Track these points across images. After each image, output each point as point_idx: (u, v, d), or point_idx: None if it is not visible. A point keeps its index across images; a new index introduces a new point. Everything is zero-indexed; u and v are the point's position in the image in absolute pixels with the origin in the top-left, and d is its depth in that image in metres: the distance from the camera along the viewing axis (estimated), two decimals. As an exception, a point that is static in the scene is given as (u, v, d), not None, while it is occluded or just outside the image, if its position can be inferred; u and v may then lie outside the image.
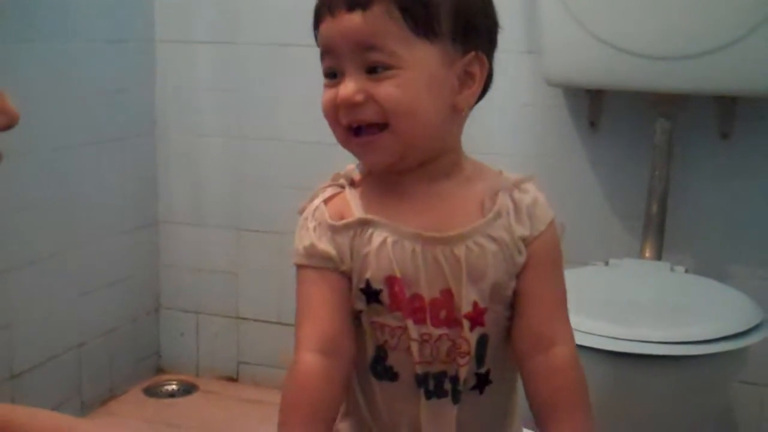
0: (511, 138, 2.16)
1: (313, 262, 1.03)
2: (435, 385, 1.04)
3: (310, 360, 1.00)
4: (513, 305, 1.05)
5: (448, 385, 1.04)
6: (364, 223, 1.02)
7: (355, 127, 0.98)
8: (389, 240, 1.01)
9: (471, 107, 1.03)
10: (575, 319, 1.36)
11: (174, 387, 2.56)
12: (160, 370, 2.64)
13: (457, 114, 1.01)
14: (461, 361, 1.03)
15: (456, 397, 1.04)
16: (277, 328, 2.47)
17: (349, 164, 1.08)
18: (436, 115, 0.99)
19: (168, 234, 2.58)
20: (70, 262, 2.22)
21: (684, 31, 1.84)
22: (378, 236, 1.01)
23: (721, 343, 1.52)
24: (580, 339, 1.48)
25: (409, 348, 1.02)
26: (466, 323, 1.02)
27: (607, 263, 1.93)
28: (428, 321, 1.02)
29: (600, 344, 1.49)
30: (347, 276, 1.03)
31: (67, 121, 2.15)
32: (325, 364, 1.00)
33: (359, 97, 0.96)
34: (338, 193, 1.06)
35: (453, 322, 1.02)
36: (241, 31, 2.40)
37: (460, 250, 1.01)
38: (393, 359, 1.04)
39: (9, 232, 1.98)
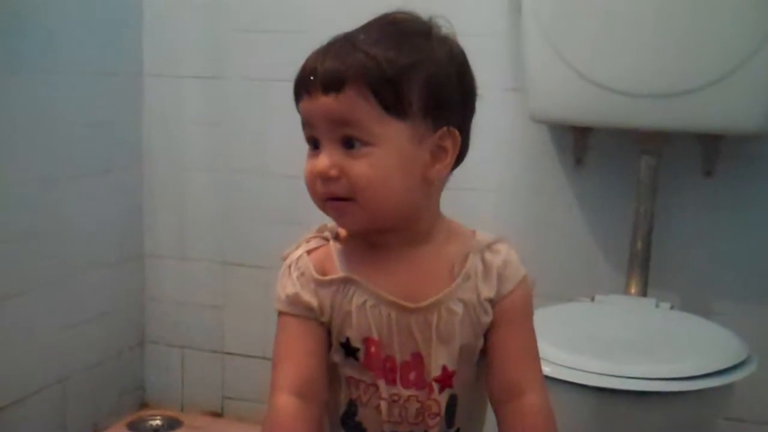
0: (497, 174, 2.17)
1: (295, 311, 1.07)
2: None
3: (288, 402, 1.03)
4: (485, 359, 1.09)
5: None
6: (346, 282, 1.06)
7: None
8: (368, 303, 1.05)
9: (444, 179, 1.07)
10: (561, 355, 1.36)
11: (158, 422, 2.54)
12: (144, 405, 2.62)
13: (429, 185, 1.04)
14: (431, 422, 1.07)
15: None
16: (262, 363, 2.46)
17: None
18: (403, 190, 1.02)
19: (153, 267, 2.57)
20: (54, 295, 2.21)
21: (668, 69, 1.86)
22: (359, 297, 1.05)
23: (707, 380, 1.52)
24: (566, 375, 1.49)
25: (378, 406, 1.07)
26: (435, 386, 1.06)
27: (592, 299, 1.93)
28: (398, 382, 1.06)
29: (585, 380, 1.49)
30: (325, 326, 1.07)
31: (53, 152, 2.14)
32: (302, 406, 1.03)
33: (333, 172, 1.00)
34: (322, 246, 1.10)
35: (422, 383, 1.06)
36: (228, 65, 2.41)
37: (432, 317, 1.05)
38: (362, 415, 1.09)
39: (-6, 265, 1.98)
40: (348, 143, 1.00)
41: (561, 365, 1.51)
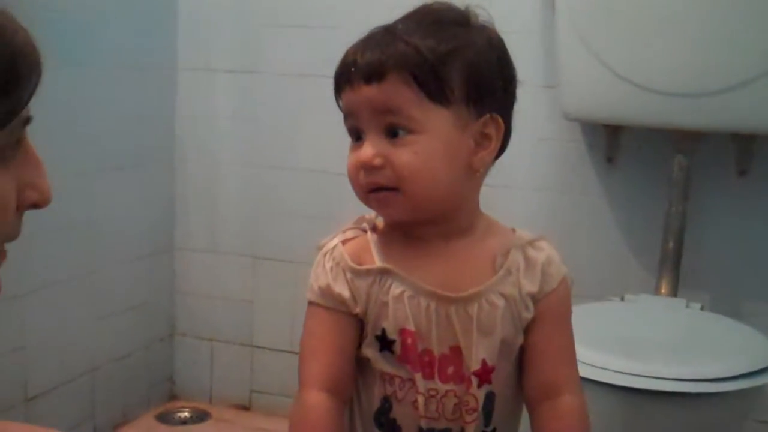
0: (528, 172, 2.16)
1: (326, 303, 1.06)
2: None
3: (317, 398, 1.03)
4: (521, 358, 1.08)
5: None
6: (384, 272, 1.05)
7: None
8: (406, 294, 1.04)
9: (488, 167, 1.06)
10: (590, 354, 1.36)
11: (187, 414, 2.55)
12: (173, 397, 2.64)
13: (473, 174, 1.04)
14: (468, 419, 1.05)
15: None
16: (290, 357, 2.47)
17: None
18: (449, 178, 1.02)
19: (184, 261, 2.58)
20: (86, 287, 2.23)
21: (703, 68, 1.84)
22: (396, 288, 1.04)
23: (736, 382, 1.51)
24: (595, 374, 1.49)
25: (415, 401, 1.05)
26: (474, 380, 1.04)
27: (622, 299, 1.92)
28: (436, 376, 1.05)
29: (614, 380, 1.49)
30: (358, 319, 1.06)
31: (87, 146, 2.16)
32: (331, 403, 1.03)
33: (377, 162, 1.00)
34: (358, 236, 1.09)
35: (460, 378, 1.05)
36: (261, 60, 2.42)
37: (472, 309, 1.04)
38: (397, 412, 1.07)
39: (26, 256, 1.99)
40: (392, 132, 0.99)
41: (590, 365, 1.50)
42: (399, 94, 0.98)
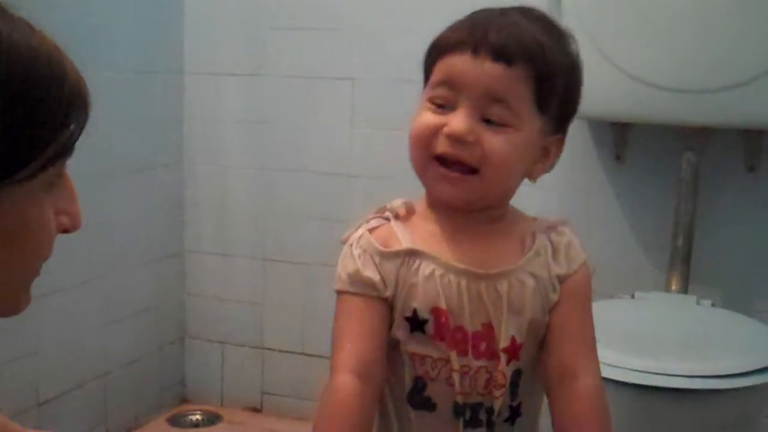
0: (537, 170, 2.16)
1: (356, 289, 1.06)
2: (471, 415, 1.08)
3: (347, 381, 1.03)
4: (543, 339, 1.09)
5: (483, 416, 1.08)
6: (412, 254, 1.06)
7: (441, 158, 1.02)
8: (437, 272, 1.05)
9: (537, 178, 1.10)
10: (602, 352, 1.35)
11: (198, 417, 2.56)
12: (184, 400, 2.64)
13: (529, 179, 1.09)
14: (497, 393, 1.07)
15: (491, 429, 1.08)
16: (301, 358, 2.47)
17: (396, 199, 1.12)
18: (518, 177, 1.06)
19: (194, 264, 2.59)
20: (96, 291, 2.23)
21: (711, 64, 1.84)
22: (426, 267, 1.05)
23: (748, 378, 1.51)
24: (606, 372, 1.47)
25: (450, 378, 1.06)
26: (503, 356, 1.06)
27: (633, 296, 1.92)
28: (470, 353, 1.06)
29: (625, 377, 1.49)
30: (388, 303, 1.06)
31: (95, 150, 2.16)
32: (360, 386, 1.03)
33: (471, 138, 1.00)
34: (383, 225, 1.10)
35: (492, 355, 1.06)
36: (267, 63, 2.42)
37: (502, 286, 1.05)
38: (432, 390, 1.08)
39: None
40: (489, 119, 1.00)
41: (601, 362, 1.49)
42: (517, 86, 1.00)
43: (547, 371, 1.08)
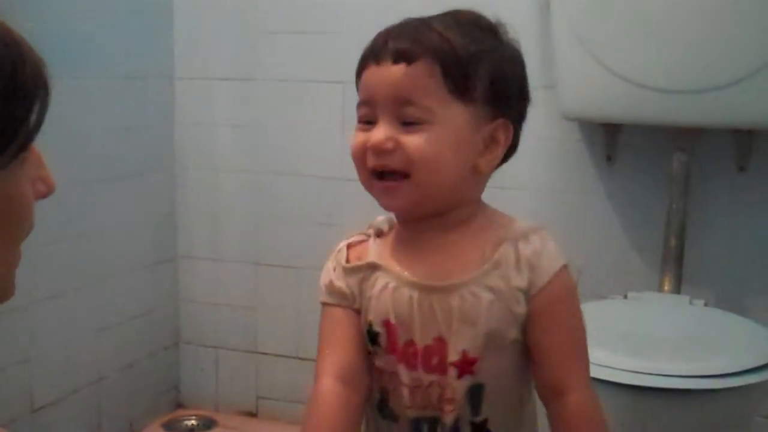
0: (528, 172, 2.16)
1: (333, 299, 1.10)
2: (428, 429, 1.09)
3: (330, 385, 1.05)
4: (528, 355, 1.08)
5: (440, 430, 1.08)
6: (372, 268, 1.08)
7: (378, 172, 1.03)
8: (390, 286, 1.06)
9: (492, 170, 1.08)
10: (595, 353, 1.35)
11: (193, 422, 2.56)
12: (179, 405, 2.64)
13: (478, 174, 1.06)
14: (447, 408, 1.06)
15: None
16: (296, 362, 2.47)
17: (380, 216, 1.13)
18: (456, 172, 1.03)
19: (187, 269, 2.59)
20: (89, 297, 2.23)
21: (700, 64, 1.84)
22: (381, 281, 1.07)
23: (742, 377, 1.51)
24: (599, 373, 1.49)
25: (401, 392, 1.07)
26: (452, 371, 1.05)
27: (626, 296, 1.92)
28: (420, 367, 1.06)
29: (619, 378, 1.49)
30: (359, 314, 1.09)
31: (87, 157, 2.16)
32: (343, 390, 1.05)
33: (389, 145, 1.00)
34: (363, 241, 1.13)
35: (444, 369, 1.05)
36: (258, 67, 2.42)
37: (454, 299, 1.04)
38: (393, 402, 1.10)
39: (29, 267, 1.98)
40: (406, 121, 1.01)
41: (595, 364, 1.48)
42: (423, 82, 0.99)
43: (539, 390, 1.08)
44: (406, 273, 1.06)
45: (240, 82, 2.45)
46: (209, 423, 2.55)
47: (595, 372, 1.47)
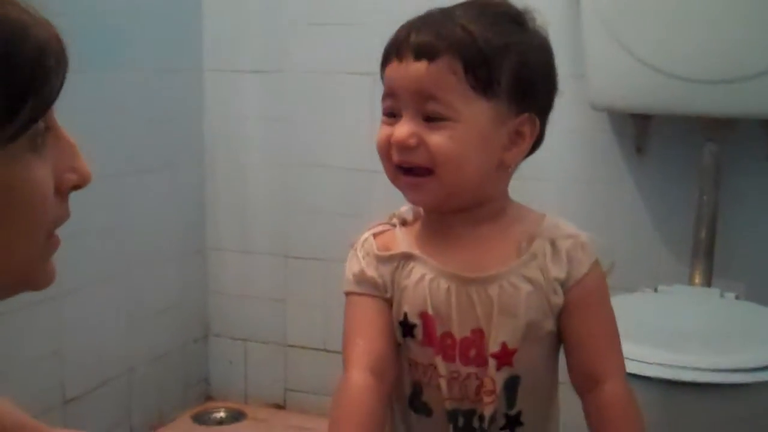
0: (557, 164, 2.15)
1: (362, 289, 1.09)
2: (464, 422, 1.08)
3: (361, 377, 1.04)
4: (562, 346, 1.09)
5: (476, 423, 1.08)
6: (406, 257, 1.07)
7: (405, 167, 1.02)
8: (427, 277, 1.05)
9: (518, 164, 1.07)
10: (625, 347, 1.34)
11: (222, 414, 2.57)
12: (208, 397, 2.65)
13: (504, 169, 1.05)
14: (486, 400, 1.06)
15: None
16: (324, 355, 2.48)
17: (403, 206, 1.13)
18: (480, 168, 1.02)
19: (216, 261, 2.60)
20: (119, 289, 2.25)
21: (731, 53, 1.83)
22: (417, 271, 1.06)
23: (774, 371, 1.50)
24: (630, 366, 1.46)
25: (438, 385, 1.07)
26: (492, 362, 1.05)
27: (656, 290, 1.91)
28: (457, 359, 1.06)
29: (650, 371, 1.48)
30: (390, 304, 1.08)
31: (117, 149, 2.18)
32: (374, 382, 1.04)
33: (412, 141, 1.00)
34: (388, 230, 1.12)
35: (482, 361, 1.05)
36: (288, 59, 2.42)
37: (493, 290, 1.04)
38: (427, 395, 1.09)
39: (59, 259, 2.00)
40: (428, 117, 1.00)
41: (625, 357, 1.49)
42: (445, 79, 0.99)
43: (573, 380, 1.08)
44: (442, 264, 1.05)
45: (269, 75, 2.45)
46: (238, 415, 2.56)
47: (625, 365, 1.48)
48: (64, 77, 0.73)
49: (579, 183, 2.17)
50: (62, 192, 0.78)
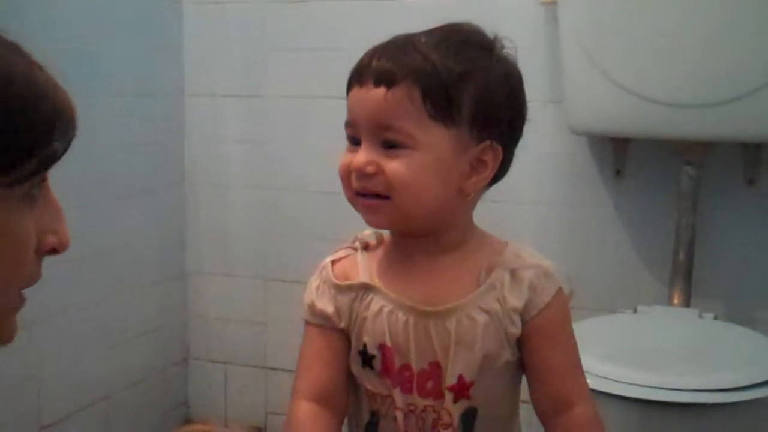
0: (537, 187, 2.16)
1: (314, 320, 1.10)
2: None
3: (305, 407, 1.07)
4: (526, 375, 1.09)
5: None
6: (365, 288, 1.07)
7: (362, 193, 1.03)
8: (386, 309, 1.05)
9: (479, 192, 1.07)
10: (604, 367, 1.36)
11: (202, 438, 2.56)
12: (188, 421, 2.64)
13: (464, 197, 1.04)
14: None
15: None
16: (304, 378, 2.47)
17: (367, 230, 1.13)
18: (437, 196, 1.02)
19: (196, 285, 2.59)
20: (98, 314, 2.23)
21: (708, 78, 1.85)
22: (376, 303, 1.06)
23: (752, 391, 1.51)
24: (609, 387, 1.48)
25: (395, 417, 1.07)
26: (448, 395, 1.05)
27: (635, 310, 1.92)
28: (415, 391, 1.06)
29: (629, 392, 1.49)
30: (345, 334, 1.08)
31: (97, 174, 2.17)
32: (318, 411, 1.06)
33: (370, 169, 1.00)
34: (349, 255, 1.12)
35: (438, 393, 1.05)
36: (267, 84, 2.43)
37: (451, 323, 1.04)
38: (383, 427, 1.09)
39: (39, 284, 1.99)
40: (388, 144, 1.00)
41: (604, 377, 1.50)
42: (402, 106, 0.98)
43: (538, 406, 1.08)
44: (401, 296, 1.05)
45: (248, 99, 2.46)
46: (218, 439, 2.55)
47: (605, 386, 1.48)
48: (70, 143, 0.77)
49: (559, 206, 2.18)
50: (40, 252, 0.79)
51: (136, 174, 2.35)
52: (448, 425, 1.05)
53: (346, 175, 1.03)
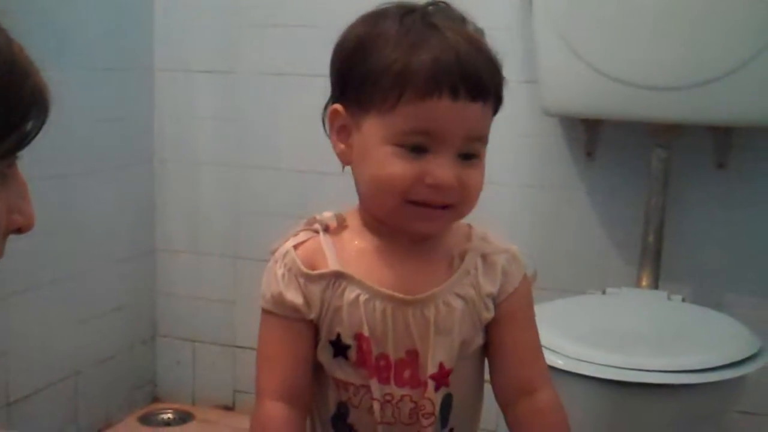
0: (509, 168, 2.17)
1: (279, 311, 1.05)
2: None
3: (274, 407, 1.04)
4: (489, 358, 1.08)
5: None
6: (338, 276, 1.03)
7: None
8: (362, 298, 1.02)
9: None
10: (573, 348, 1.36)
11: (170, 416, 2.55)
12: (156, 399, 2.63)
13: None
14: (425, 422, 1.04)
15: None
16: (274, 356, 2.47)
17: (327, 212, 1.08)
18: None
19: (165, 262, 2.58)
20: (67, 290, 2.22)
21: (680, 61, 1.85)
22: (351, 292, 1.02)
23: (719, 372, 1.52)
24: (578, 368, 1.49)
25: (371, 408, 1.04)
26: (431, 384, 1.03)
27: (604, 292, 1.93)
28: (392, 381, 1.03)
29: (597, 373, 1.49)
30: (313, 325, 1.04)
31: (66, 149, 2.15)
32: (289, 412, 1.03)
33: (457, 184, 0.97)
34: (311, 238, 1.07)
35: (416, 382, 1.03)
36: (239, 60, 2.41)
37: (429, 311, 1.02)
38: (354, 417, 1.06)
39: (6, 260, 1.97)
40: (468, 155, 0.98)
41: (573, 358, 1.51)
42: (489, 119, 0.99)
43: (502, 390, 1.08)
44: (378, 285, 1.02)
45: (220, 75, 2.44)
46: (186, 416, 2.54)
47: (573, 366, 1.49)
48: (43, 124, 0.78)
49: (530, 187, 2.18)
50: (5, 231, 0.79)
51: (106, 150, 2.33)
52: (431, 414, 1.03)
53: (407, 185, 0.96)
